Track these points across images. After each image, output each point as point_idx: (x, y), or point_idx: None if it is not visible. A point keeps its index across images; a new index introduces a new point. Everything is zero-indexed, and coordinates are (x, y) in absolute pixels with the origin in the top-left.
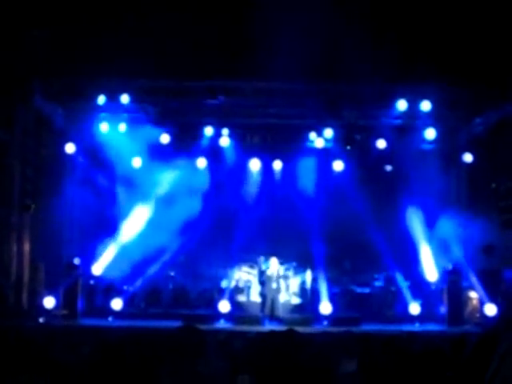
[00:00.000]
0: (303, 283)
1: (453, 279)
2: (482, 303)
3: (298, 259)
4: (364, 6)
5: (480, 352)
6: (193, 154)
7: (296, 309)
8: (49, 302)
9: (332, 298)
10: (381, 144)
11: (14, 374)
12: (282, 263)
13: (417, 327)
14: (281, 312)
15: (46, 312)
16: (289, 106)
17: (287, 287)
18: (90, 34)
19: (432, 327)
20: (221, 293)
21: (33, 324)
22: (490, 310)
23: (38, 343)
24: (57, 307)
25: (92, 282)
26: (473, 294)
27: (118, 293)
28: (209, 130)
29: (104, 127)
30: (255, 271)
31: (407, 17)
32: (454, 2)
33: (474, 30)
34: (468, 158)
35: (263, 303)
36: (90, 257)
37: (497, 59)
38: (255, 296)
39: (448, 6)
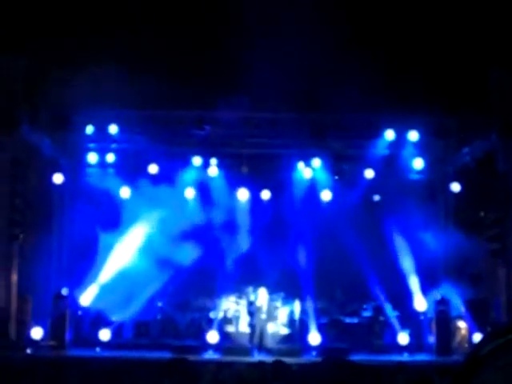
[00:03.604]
0: (292, 314)
1: (441, 309)
2: (470, 333)
3: (286, 289)
4: (350, 35)
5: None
6: (181, 184)
7: (284, 339)
8: (37, 333)
9: (320, 329)
10: (369, 174)
11: None
12: (270, 293)
13: (405, 357)
14: (269, 343)
15: (34, 343)
16: (276, 136)
17: (275, 318)
18: (78, 63)
19: (421, 357)
20: (209, 323)
21: (20, 355)
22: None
23: (25, 374)
24: (45, 338)
25: (80, 312)
26: (461, 324)
27: (106, 323)
28: (197, 160)
29: (92, 157)
30: (244, 302)
31: (394, 47)
32: (440, 33)
33: (462, 60)
34: (456, 187)
35: (252, 334)
36: (78, 287)
37: (484, 90)
38: (244, 327)
39: (435, 37)
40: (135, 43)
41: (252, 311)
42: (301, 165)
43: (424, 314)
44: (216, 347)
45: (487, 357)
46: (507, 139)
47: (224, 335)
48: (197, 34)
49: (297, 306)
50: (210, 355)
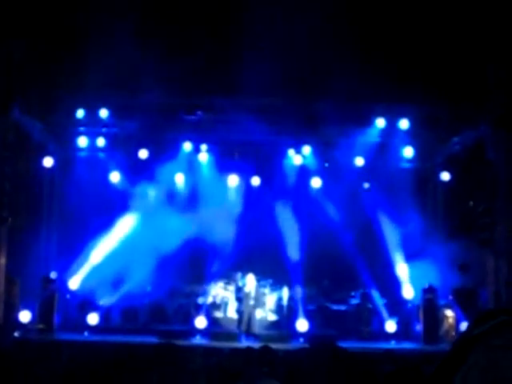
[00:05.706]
0: (280, 300)
1: (429, 297)
2: (458, 321)
3: (274, 276)
4: (344, 24)
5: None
6: (171, 170)
7: (272, 326)
8: (25, 316)
9: (308, 316)
10: (359, 161)
11: None
12: (258, 280)
13: (393, 345)
14: (257, 329)
15: (22, 326)
16: (267, 123)
17: (264, 304)
18: (68, 46)
19: (408, 345)
20: (198, 309)
21: (8, 338)
22: None
23: (13, 357)
24: (33, 321)
25: (68, 296)
26: (449, 313)
27: (94, 308)
28: (187, 146)
29: (82, 141)
30: (232, 287)
31: (387, 37)
32: (432, 24)
33: (453, 50)
34: (445, 176)
35: (240, 320)
36: (67, 271)
37: (474, 81)
38: (232, 312)
39: (427, 27)
40: (127, 28)
41: (240, 297)
42: (291, 152)
43: (412, 301)
44: (204, 332)
45: (480, 337)
46: (498, 129)
47: (212, 321)
48: (190, 20)
49: (285, 292)
50: (197, 340)
